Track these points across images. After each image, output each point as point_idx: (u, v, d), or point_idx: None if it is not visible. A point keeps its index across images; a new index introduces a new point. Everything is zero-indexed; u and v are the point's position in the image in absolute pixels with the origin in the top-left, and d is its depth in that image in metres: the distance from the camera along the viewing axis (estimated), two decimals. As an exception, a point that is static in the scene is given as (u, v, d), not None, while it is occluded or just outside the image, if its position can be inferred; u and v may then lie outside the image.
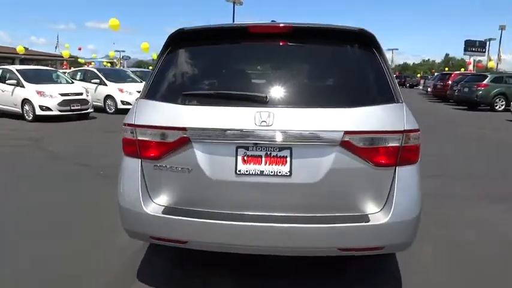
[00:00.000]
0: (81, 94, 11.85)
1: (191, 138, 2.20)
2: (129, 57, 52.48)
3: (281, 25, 2.34)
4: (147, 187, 2.32)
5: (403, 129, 2.18)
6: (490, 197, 4.71)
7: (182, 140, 2.21)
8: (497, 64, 38.00)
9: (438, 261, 3.04)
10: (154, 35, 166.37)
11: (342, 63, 2.41)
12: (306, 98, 2.27)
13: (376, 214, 2.20)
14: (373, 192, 2.22)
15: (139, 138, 2.30)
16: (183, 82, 2.43)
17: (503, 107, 17.11)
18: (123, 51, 50.59)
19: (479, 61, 45.05)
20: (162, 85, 2.42)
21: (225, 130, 2.16)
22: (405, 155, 2.20)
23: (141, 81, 15.28)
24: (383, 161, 2.18)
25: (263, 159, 2.19)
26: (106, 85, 14.07)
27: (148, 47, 37.39)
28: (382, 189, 2.21)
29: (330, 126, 2.13)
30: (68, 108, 11.38)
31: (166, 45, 2.49)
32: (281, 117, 2.14)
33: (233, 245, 2.24)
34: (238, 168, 2.19)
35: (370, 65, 2.33)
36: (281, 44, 2.39)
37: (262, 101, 2.19)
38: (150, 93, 2.39)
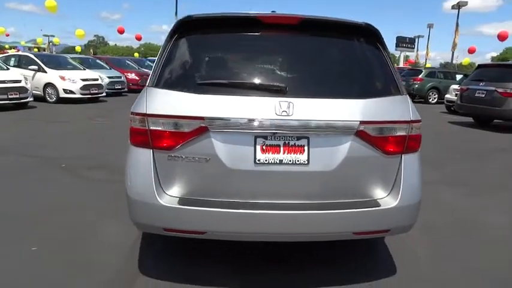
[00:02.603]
0: (19, 82, 10.88)
1: (209, 128, 2.17)
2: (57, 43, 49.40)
3: (293, 16, 2.37)
4: (159, 178, 2.25)
5: (410, 119, 2.33)
6: (447, 182, 5.19)
7: (200, 129, 2.18)
8: (426, 60, 41.03)
9: (418, 241, 3.29)
10: (83, 19, 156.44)
11: (352, 55, 2.51)
12: (322, 88, 2.33)
13: (384, 199, 2.35)
14: (382, 179, 2.35)
15: (151, 128, 2.22)
16: (197, 71, 2.37)
17: (436, 99, 18.61)
18: (53, 36, 47.39)
19: (408, 56, 48.13)
20: (173, 73, 2.34)
21: (246, 120, 2.16)
22: (410, 143, 2.35)
23: (84, 69, 14.43)
24: (392, 149, 2.32)
25: (281, 148, 2.23)
26: (45, 72, 13.04)
27: (83, 34, 35.32)
28: (390, 175, 2.36)
29: (346, 116, 2.22)
30: (5, 96, 10.40)
31: (173, 32, 2.41)
32: (300, 107, 2.18)
33: (252, 233, 2.27)
34: (257, 158, 2.21)
35: (376, 58, 2.45)
36: (292, 35, 2.42)
37: (281, 91, 2.22)
38: (160, 82, 2.31)
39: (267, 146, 2.22)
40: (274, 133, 2.21)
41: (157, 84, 2.31)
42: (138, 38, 45.35)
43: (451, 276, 2.78)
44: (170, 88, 2.26)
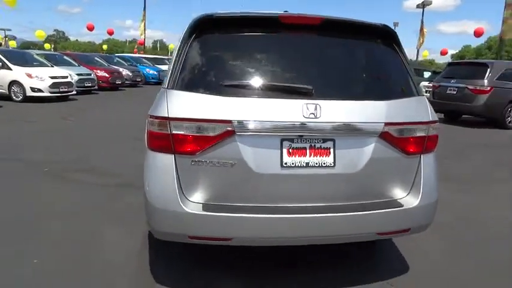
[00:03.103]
0: (-17, 79, 10.26)
1: (236, 131, 2.11)
2: (15, 37, 47.14)
3: (314, 17, 2.35)
4: (182, 184, 2.17)
5: (429, 120, 2.37)
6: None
7: (227, 133, 2.11)
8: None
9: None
10: (40, 12, 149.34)
11: (372, 57, 2.51)
12: (346, 90, 2.33)
13: (405, 199, 2.37)
14: (402, 179, 2.38)
15: (174, 132, 2.14)
16: (220, 72, 2.29)
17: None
18: (9, 29, 45.12)
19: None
20: (194, 74, 2.25)
21: (274, 122, 2.12)
22: (429, 143, 2.39)
23: (52, 66, 13.79)
24: (413, 150, 2.34)
25: (308, 151, 2.20)
26: (10, 69, 12.36)
27: (44, 35, 34.01)
28: (410, 175, 2.38)
29: (372, 118, 2.23)
30: (-31, 95, 9.79)
31: (192, 31, 2.31)
32: (326, 110, 2.17)
33: (279, 237, 2.23)
34: (284, 161, 2.17)
35: (395, 59, 2.46)
36: (314, 35, 2.39)
37: (308, 93, 2.19)
38: (180, 83, 2.21)
39: (293, 149, 2.19)
40: (301, 136, 2.18)
41: (177, 86, 2.21)
42: (110, 33, 44.11)
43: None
44: (193, 90, 2.18)
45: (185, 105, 2.15)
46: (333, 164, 2.22)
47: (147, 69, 23.36)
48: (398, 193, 2.39)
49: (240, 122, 2.10)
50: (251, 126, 2.11)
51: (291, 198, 2.24)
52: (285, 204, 2.22)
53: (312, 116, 2.14)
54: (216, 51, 2.34)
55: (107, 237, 3.12)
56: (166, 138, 2.15)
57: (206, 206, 2.17)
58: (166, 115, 2.14)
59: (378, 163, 2.28)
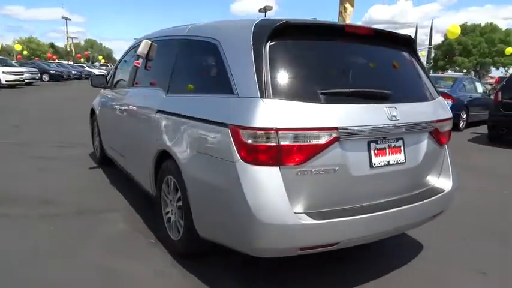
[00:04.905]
0: None
1: (340, 138, 2.15)
2: None
3: (367, 27, 2.55)
4: (289, 196, 2.09)
5: (451, 116, 2.83)
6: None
7: (332, 140, 2.13)
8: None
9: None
10: None
11: (412, 63, 2.81)
12: (409, 93, 2.61)
13: (439, 184, 2.78)
14: (437, 168, 2.79)
15: (282, 143, 2.04)
16: (310, 79, 2.26)
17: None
18: None
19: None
20: (284, 82, 2.17)
21: (369, 126, 2.25)
22: (450, 135, 2.86)
23: None
24: (444, 142, 2.78)
25: (387, 150, 2.39)
26: None
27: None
28: (439, 164, 2.81)
29: (430, 116, 2.58)
30: None
31: (268, 37, 2.21)
32: (401, 111, 2.39)
33: (375, 234, 2.37)
34: (372, 162, 2.31)
35: (420, 65, 2.85)
36: (369, 44, 2.58)
37: (386, 97, 2.38)
38: (274, 92, 2.10)
39: (377, 149, 2.34)
40: (384, 137, 2.35)
41: (273, 95, 2.09)
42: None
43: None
44: (292, 99, 2.11)
45: (291, 114, 2.07)
46: (404, 160, 2.46)
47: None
48: (435, 180, 2.78)
49: (343, 128, 2.15)
50: (352, 131, 2.19)
51: (378, 195, 2.40)
52: (374, 202, 2.37)
53: (394, 118, 2.34)
54: (294, 57, 2.29)
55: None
56: (272, 151, 2.04)
57: (314, 214, 2.14)
58: (274, 126, 2.02)
59: (428, 156, 2.62)
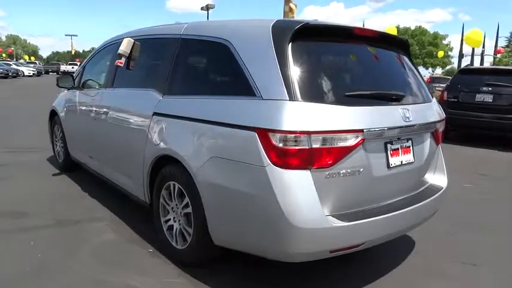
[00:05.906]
0: None
1: (366, 140, 2.17)
2: None
3: (373, 30, 2.61)
4: (320, 199, 2.08)
5: (445, 116, 2.98)
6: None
7: (359, 142, 2.15)
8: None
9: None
10: None
11: (410, 65, 2.90)
12: (414, 94, 2.69)
13: (437, 182, 2.92)
14: (433, 166, 2.93)
15: (314, 146, 2.02)
16: (334, 82, 2.26)
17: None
18: None
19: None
20: (310, 85, 2.15)
21: (392, 128, 2.31)
22: (443, 135, 3.02)
23: None
24: (440, 141, 2.93)
25: (400, 150, 2.46)
26: None
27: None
28: (435, 163, 2.95)
29: (433, 117, 2.70)
30: None
31: (290, 39, 2.17)
32: (412, 113, 2.48)
33: (393, 233, 2.43)
34: (390, 162, 2.37)
35: (415, 67, 2.96)
36: (376, 47, 2.63)
37: (399, 99, 2.45)
38: (302, 94, 2.07)
39: (392, 150, 2.40)
40: (399, 138, 2.42)
41: (301, 97, 2.06)
42: None
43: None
44: (320, 101, 2.10)
45: (320, 117, 2.06)
46: (413, 160, 2.55)
47: None
48: (433, 178, 2.92)
49: (369, 130, 2.18)
50: (375, 133, 2.22)
51: (394, 194, 2.48)
52: (392, 201, 2.43)
53: (407, 119, 2.41)
54: (320, 60, 2.31)
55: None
56: (304, 154, 2.01)
57: (342, 217, 2.14)
58: (306, 129, 1.99)
59: (429, 155, 2.75)
